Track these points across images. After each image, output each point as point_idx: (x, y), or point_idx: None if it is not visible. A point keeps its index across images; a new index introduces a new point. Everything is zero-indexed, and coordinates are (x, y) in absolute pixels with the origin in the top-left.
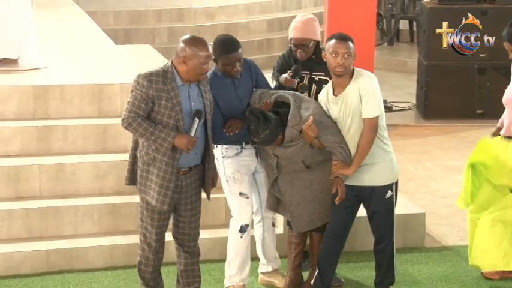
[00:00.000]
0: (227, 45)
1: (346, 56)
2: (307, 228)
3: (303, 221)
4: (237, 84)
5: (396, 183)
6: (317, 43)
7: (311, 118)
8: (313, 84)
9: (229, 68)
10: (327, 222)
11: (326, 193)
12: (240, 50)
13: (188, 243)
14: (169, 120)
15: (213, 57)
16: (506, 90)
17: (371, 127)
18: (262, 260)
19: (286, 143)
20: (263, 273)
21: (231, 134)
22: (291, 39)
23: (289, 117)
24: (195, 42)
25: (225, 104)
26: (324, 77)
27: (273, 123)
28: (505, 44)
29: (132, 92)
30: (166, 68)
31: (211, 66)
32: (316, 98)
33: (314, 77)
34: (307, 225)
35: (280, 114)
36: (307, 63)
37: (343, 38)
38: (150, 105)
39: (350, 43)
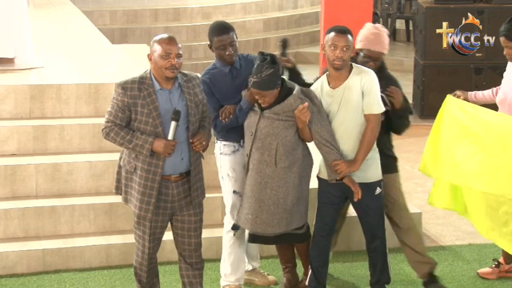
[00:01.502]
0: (218, 28)
1: (345, 49)
2: (241, 225)
3: (242, 214)
4: (235, 75)
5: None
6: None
7: (306, 103)
8: None
9: (222, 53)
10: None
11: (273, 204)
12: (231, 34)
13: (189, 253)
14: (147, 126)
15: (208, 43)
16: (499, 90)
17: (376, 122)
18: (245, 258)
19: (278, 111)
20: (244, 271)
21: (226, 120)
22: (358, 49)
23: (296, 89)
24: (159, 37)
25: (220, 94)
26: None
27: (278, 68)
28: (501, 39)
29: (111, 101)
30: (145, 75)
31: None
32: None
33: None
34: (241, 220)
35: (283, 80)
36: None
37: (342, 31)
38: (128, 113)
39: (349, 36)
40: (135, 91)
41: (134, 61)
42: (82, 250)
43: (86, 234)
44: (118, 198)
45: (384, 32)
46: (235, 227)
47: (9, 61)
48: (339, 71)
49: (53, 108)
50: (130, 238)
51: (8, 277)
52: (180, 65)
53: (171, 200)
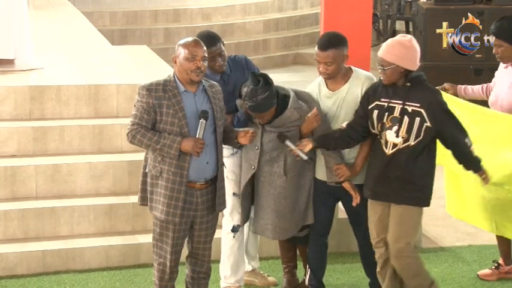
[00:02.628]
0: (206, 40)
1: (329, 64)
2: (259, 234)
3: (259, 224)
4: (227, 81)
5: None
6: (409, 71)
7: (315, 109)
8: (405, 116)
9: (212, 64)
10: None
11: (289, 212)
12: (219, 45)
13: (201, 262)
14: (173, 127)
15: None
16: (491, 92)
17: None
18: (244, 259)
19: (278, 124)
20: (244, 273)
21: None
22: None
23: (291, 100)
24: (185, 40)
25: None
26: (418, 109)
27: (273, 89)
28: (492, 38)
29: (134, 105)
30: (169, 78)
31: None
32: (408, 133)
33: (407, 107)
34: (260, 230)
35: (278, 93)
36: (399, 91)
37: (324, 47)
38: (153, 114)
39: (331, 51)
40: (160, 92)
41: (134, 62)
42: (82, 251)
43: (86, 235)
44: (118, 199)
45: (399, 44)
46: (234, 229)
47: (9, 62)
48: (332, 79)
49: (52, 109)
50: (130, 239)
51: (8, 278)
52: (205, 68)
53: (194, 208)
